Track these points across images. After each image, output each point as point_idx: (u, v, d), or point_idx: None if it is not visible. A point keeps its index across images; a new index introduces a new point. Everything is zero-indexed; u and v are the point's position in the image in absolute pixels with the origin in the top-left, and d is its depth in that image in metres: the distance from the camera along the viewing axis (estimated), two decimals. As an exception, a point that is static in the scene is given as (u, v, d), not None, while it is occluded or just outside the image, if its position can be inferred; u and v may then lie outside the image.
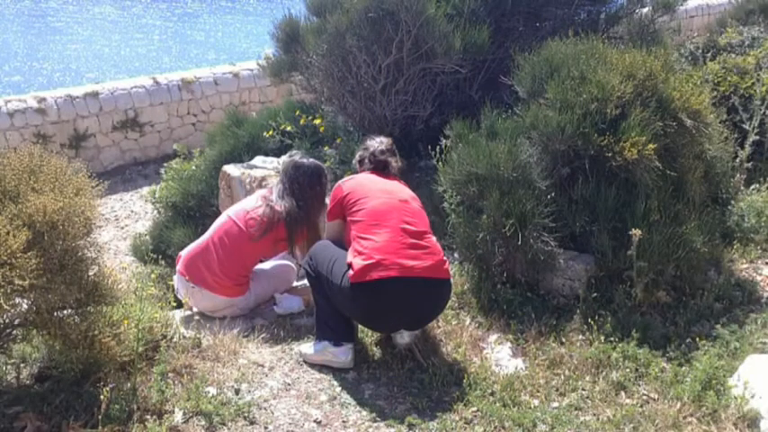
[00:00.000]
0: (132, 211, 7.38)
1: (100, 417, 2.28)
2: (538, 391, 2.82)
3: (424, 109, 4.72)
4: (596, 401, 2.74)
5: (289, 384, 2.83)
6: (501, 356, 3.09)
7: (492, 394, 2.78)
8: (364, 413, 2.66)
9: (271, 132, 5.37)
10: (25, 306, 2.35)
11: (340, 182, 3.19)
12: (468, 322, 3.32)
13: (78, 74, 14.23)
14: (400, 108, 4.71)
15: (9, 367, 2.59)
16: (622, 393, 2.80)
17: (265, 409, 2.64)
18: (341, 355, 2.93)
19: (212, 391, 2.65)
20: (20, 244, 2.15)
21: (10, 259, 2.13)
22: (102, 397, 2.26)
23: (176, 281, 3.64)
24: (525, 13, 4.87)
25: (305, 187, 3.53)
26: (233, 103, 9.09)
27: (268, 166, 4.80)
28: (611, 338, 3.04)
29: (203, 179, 5.36)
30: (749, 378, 2.62)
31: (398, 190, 3.12)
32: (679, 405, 2.65)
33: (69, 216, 2.29)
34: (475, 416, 2.64)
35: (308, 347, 3.03)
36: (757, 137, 4.38)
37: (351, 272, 2.80)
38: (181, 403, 2.53)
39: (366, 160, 3.30)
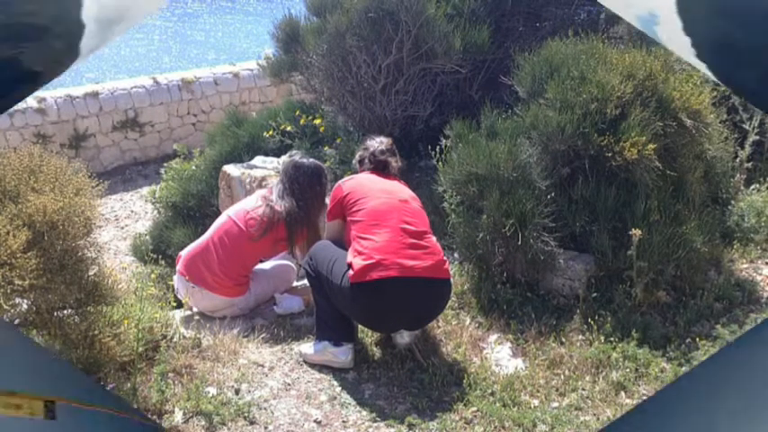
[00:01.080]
0: (132, 211, 7.38)
1: (100, 417, 2.28)
2: (538, 391, 2.82)
3: (424, 109, 4.72)
4: (596, 401, 2.74)
5: (289, 384, 2.83)
6: (501, 356, 3.09)
7: (492, 394, 2.78)
8: (364, 413, 2.66)
9: (271, 132, 5.36)
10: (25, 306, 2.35)
11: (340, 182, 3.19)
12: (468, 322, 3.32)
13: (78, 74, 14.22)
14: (400, 108, 4.71)
15: (9, 367, 2.59)
16: (622, 393, 2.80)
17: (265, 409, 2.64)
18: (341, 355, 2.93)
19: (212, 391, 2.65)
20: (20, 244, 2.15)
21: (10, 259, 2.13)
22: (102, 397, 2.26)
23: (176, 281, 3.64)
24: (525, 13, 4.87)
25: (305, 187, 3.53)
26: (233, 103, 9.10)
27: (268, 166, 4.80)
28: (611, 338, 3.04)
29: (203, 179, 5.35)
30: (749, 378, 2.62)
31: (398, 190, 3.12)
32: (679, 405, 2.65)
33: (69, 216, 2.30)
34: (475, 416, 2.64)
35: (308, 347, 3.03)
36: (757, 137, 4.37)
37: (351, 272, 2.79)
38: (181, 403, 2.53)
39: (366, 160, 3.29)
